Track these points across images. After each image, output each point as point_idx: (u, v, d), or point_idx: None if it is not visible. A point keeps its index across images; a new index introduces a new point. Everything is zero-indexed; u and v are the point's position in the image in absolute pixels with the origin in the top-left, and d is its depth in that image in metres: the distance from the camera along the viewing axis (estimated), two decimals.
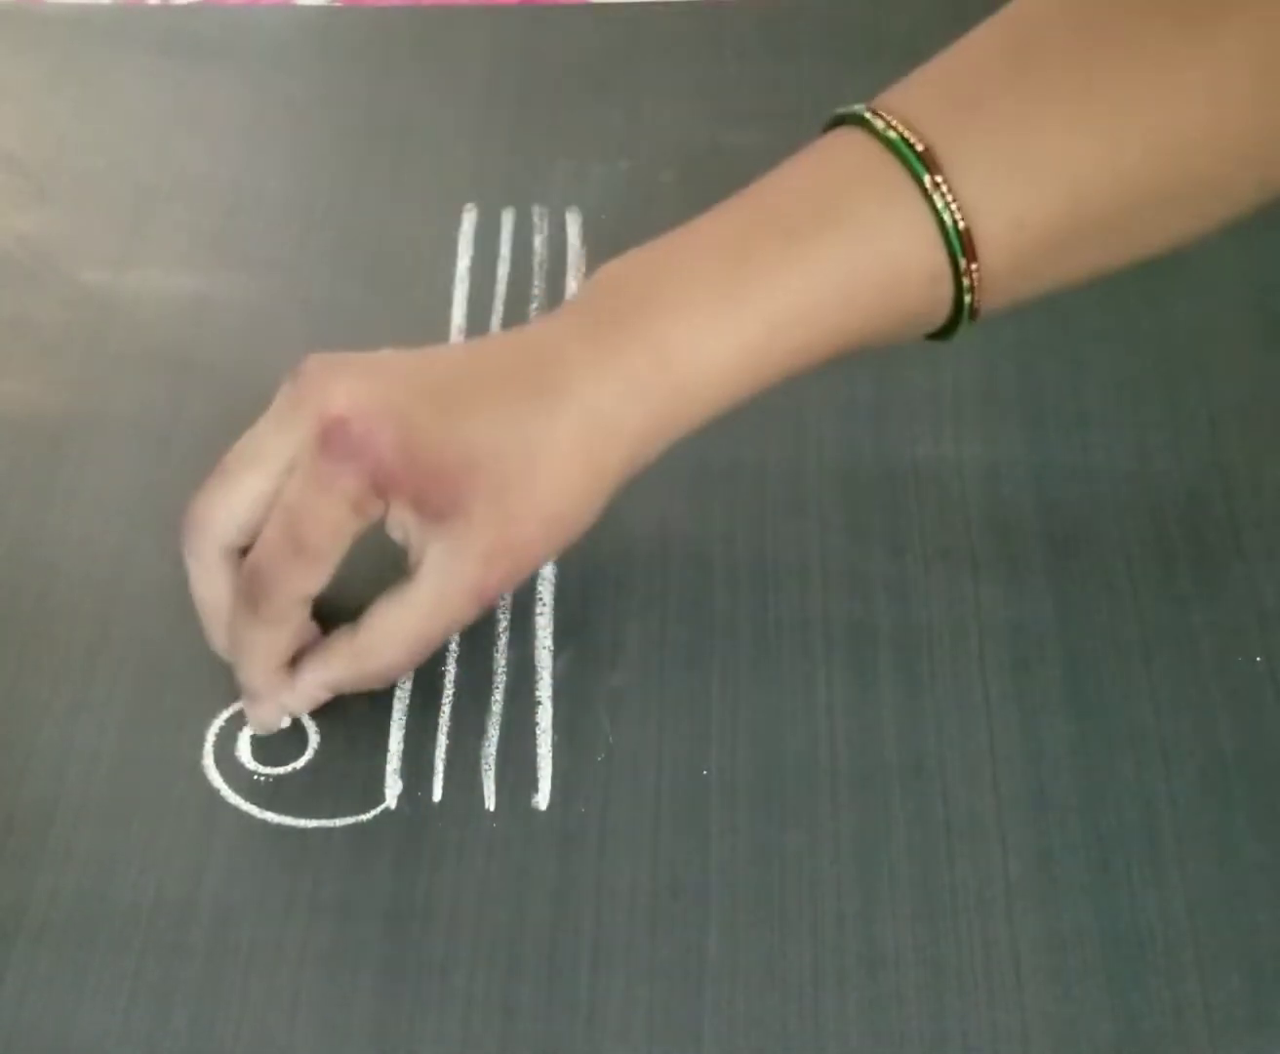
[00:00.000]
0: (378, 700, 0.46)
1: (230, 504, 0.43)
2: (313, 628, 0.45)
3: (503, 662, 0.47)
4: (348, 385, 0.42)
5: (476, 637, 0.48)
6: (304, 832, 0.44)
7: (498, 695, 0.47)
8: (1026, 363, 0.54)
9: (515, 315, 0.56)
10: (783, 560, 0.50)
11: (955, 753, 0.45)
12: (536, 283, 0.57)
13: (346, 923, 0.42)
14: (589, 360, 0.42)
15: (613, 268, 0.44)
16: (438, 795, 0.45)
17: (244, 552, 0.44)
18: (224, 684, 0.47)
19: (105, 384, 0.55)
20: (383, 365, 0.44)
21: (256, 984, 0.41)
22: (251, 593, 0.43)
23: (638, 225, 0.59)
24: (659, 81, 0.64)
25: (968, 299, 0.42)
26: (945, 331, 0.44)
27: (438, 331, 0.56)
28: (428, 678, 0.47)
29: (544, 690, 0.47)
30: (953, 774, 0.45)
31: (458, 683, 0.47)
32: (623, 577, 0.49)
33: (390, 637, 0.44)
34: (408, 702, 0.46)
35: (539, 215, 0.59)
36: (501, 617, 0.48)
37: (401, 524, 0.42)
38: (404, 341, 0.55)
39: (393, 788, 0.45)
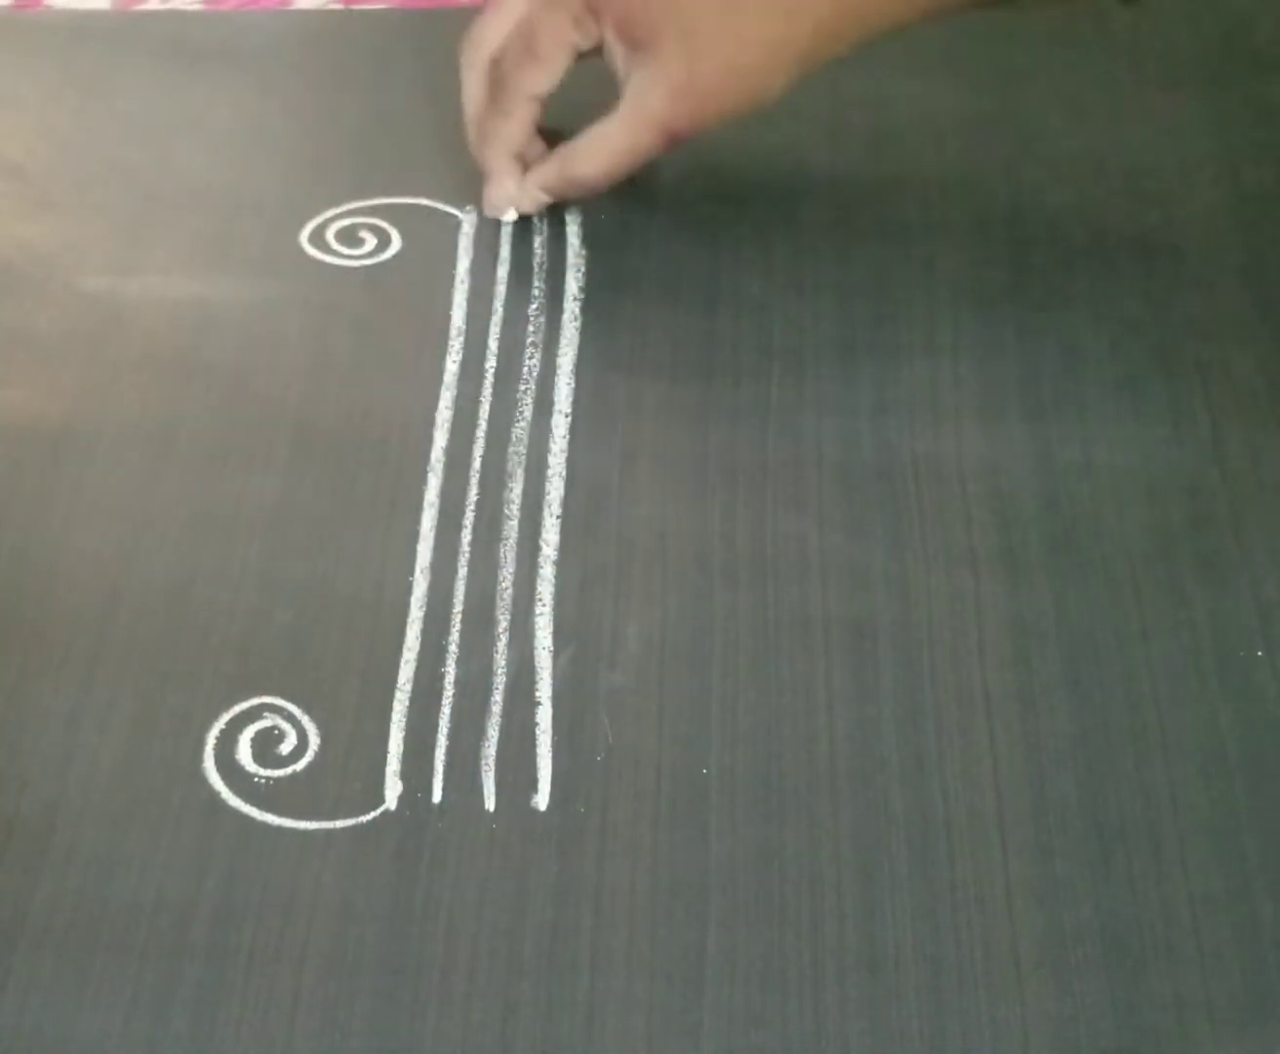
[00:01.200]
0: (378, 701, 0.46)
1: (498, 25, 0.55)
2: (541, 146, 0.57)
3: (503, 662, 0.47)
4: None
5: (476, 637, 0.48)
6: (304, 833, 0.44)
7: (498, 695, 0.47)
8: (1026, 359, 0.54)
9: (515, 316, 0.56)
10: (783, 560, 0.50)
11: (955, 749, 0.45)
12: (536, 283, 0.58)
13: (346, 923, 0.42)
14: None
15: None
16: (438, 796, 0.45)
17: None
18: (225, 687, 0.47)
19: (106, 390, 0.55)
20: None
21: (257, 985, 0.41)
22: (493, 87, 0.55)
23: (638, 225, 0.59)
24: None
25: None
26: None
27: (438, 333, 0.56)
28: (428, 678, 0.47)
29: (544, 690, 0.47)
30: (952, 771, 0.44)
31: (458, 683, 0.47)
32: (623, 577, 0.49)
33: (592, 146, 0.54)
34: (408, 702, 0.47)
35: (539, 216, 0.59)
36: (501, 617, 0.48)
37: (612, 50, 0.52)
38: (403, 343, 0.56)
39: (393, 789, 0.45)
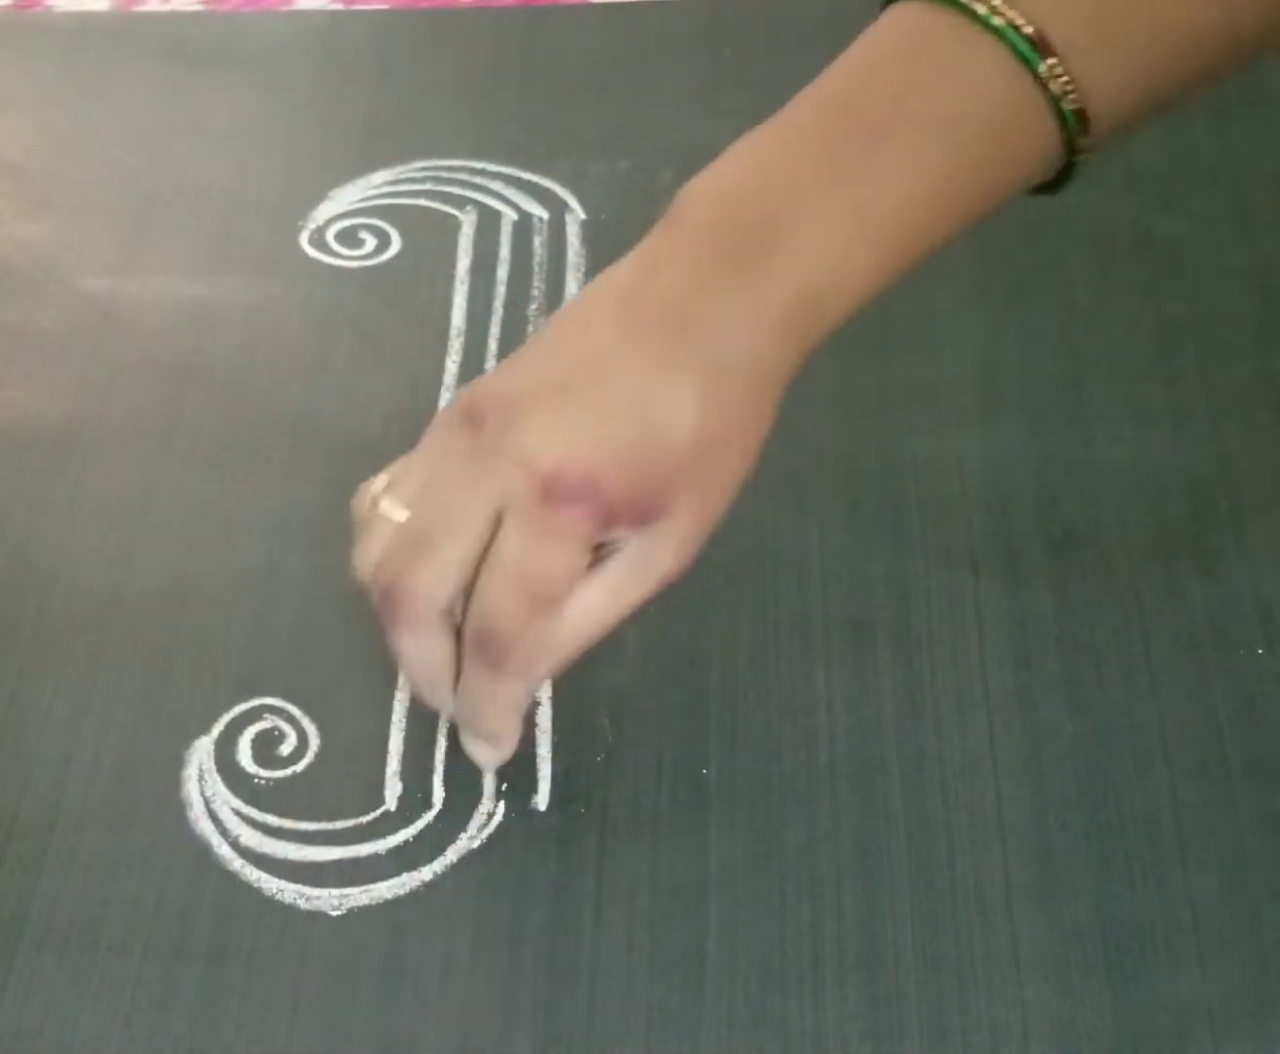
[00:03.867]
0: (378, 702, 0.46)
1: (441, 575, 0.41)
2: None
3: None
4: (543, 426, 0.40)
5: None
6: (304, 834, 0.44)
7: None
8: (1026, 358, 0.54)
9: (515, 316, 0.56)
10: (783, 559, 0.50)
11: (955, 749, 0.45)
12: (536, 284, 0.58)
13: (346, 924, 0.42)
14: (739, 318, 0.41)
15: (713, 187, 0.42)
16: (438, 796, 0.45)
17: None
18: (225, 688, 0.47)
19: (106, 390, 0.55)
20: (555, 384, 0.41)
21: (257, 986, 0.41)
22: (492, 654, 0.41)
23: (638, 225, 0.59)
24: (659, 81, 0.64)
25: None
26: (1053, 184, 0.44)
27: (438, 333, 0.56)
28: None
29: (544, 690, 0.47)
30: (953, 771, 0.44)
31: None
32: None
33: (585, 619, 0.42)
34: (408, 703, 0.47)
35: (539, 216, 0.60)
36: None
37: (616, 537, 0.41)
38: (403, 343, 0.56)
39: (393, 790, 0.45)
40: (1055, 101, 0.41)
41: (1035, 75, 0.40)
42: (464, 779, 0.45)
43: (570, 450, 0.40)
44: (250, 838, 0.44)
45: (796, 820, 0.44)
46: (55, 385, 0.55)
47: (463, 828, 0.44)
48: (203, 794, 0.45)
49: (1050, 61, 0.40)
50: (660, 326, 0.41)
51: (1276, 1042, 0.40)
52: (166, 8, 0.69)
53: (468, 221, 0.60)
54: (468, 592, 0.41)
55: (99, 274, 0.59)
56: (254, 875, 0.43)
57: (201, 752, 0.46)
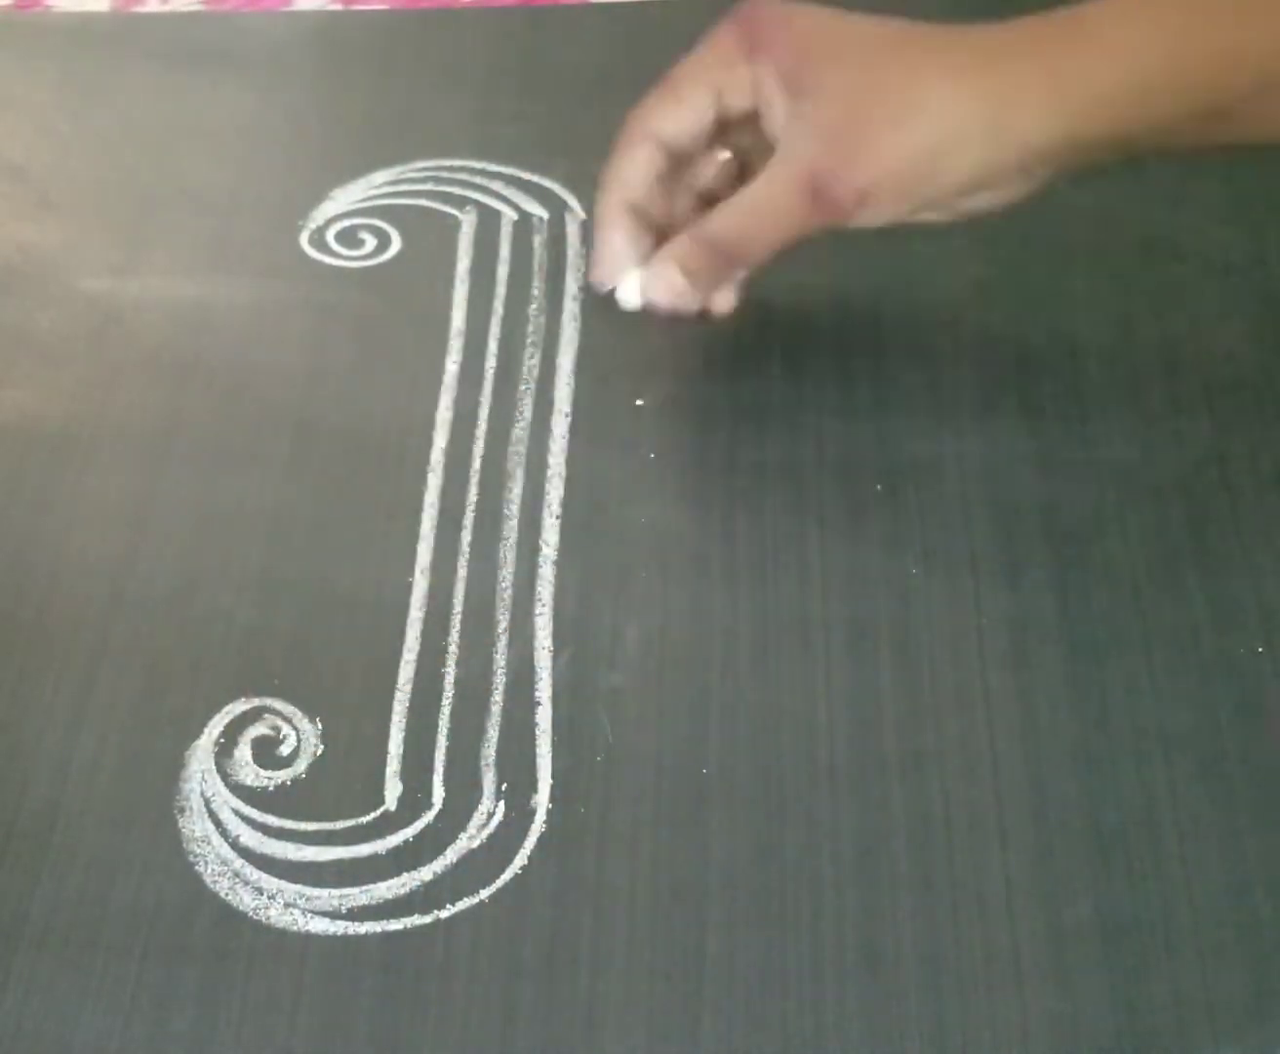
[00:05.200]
0: (378, 702, 0.46)
1: (664, 107, 0.48)
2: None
3: (502, 662, 0.47)
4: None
5: (476, 637, 0.48)
6: (304, 834, 0.44)
7: (498, 695, 0.47)
8: (1026, 357, 0.54)
9: (515, 316, 0.56)
10: (783, 560, 0.49)
11: (955, 749, 0.45)
12: (536, 283, 0.58)
13: (346, 924, 0.42)
14: (1011, 38, 0.43)
15: None
16: (438, 796, 0.45)
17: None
18: (225, 688, 0.47)
19: (106, 391, 0.55)
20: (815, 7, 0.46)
21: (257, 986, 0.41)
22: (624, 125, 0.48)
23: None
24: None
25: None
26: None
27: (438, 333, 0.56)
28: (428, 678, 0.47)
29: (544, 690, 0.47)
30: (953, 770, 0.44)
31: (458, 683, 0.47)
32: (623, 577, 0.49)
33: (730, 204, 0.46)
34: (408, 703, 0.47)
35: (539, 216, 0.60)
36: (501, 617, 0.48)
37: (769, 104, 0.45)
38: (403, 343, 0.56)
39: (393, 789, 0.45)
40: None
41: None
42: (464, 779, 0.45)
43: (776, 5, 0.45)
44: (250, 838, 0.44)
45: (796, 820, 0.44)
46: (55, 386, 0.55)
47: (463, 828, 0.44)
48: (203, 794, 0.45)
49: None
50: (944, 35, 0.44)
51: (1276, 1042, 0.40)
52: (166, 8, 0.69)
53: (468, 221, 0.60)
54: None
55: (99, 274, 0.59)
56: (254, 875, 0.43)
57: (201, 752, 0.46)
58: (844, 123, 0.42)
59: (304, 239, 0.59)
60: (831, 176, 0.43)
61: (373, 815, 0.44)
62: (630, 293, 0.49)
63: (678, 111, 0.47)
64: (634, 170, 0.48)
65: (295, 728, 0.46)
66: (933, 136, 0.42)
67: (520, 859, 0.43)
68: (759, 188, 0.45)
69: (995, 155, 0.43)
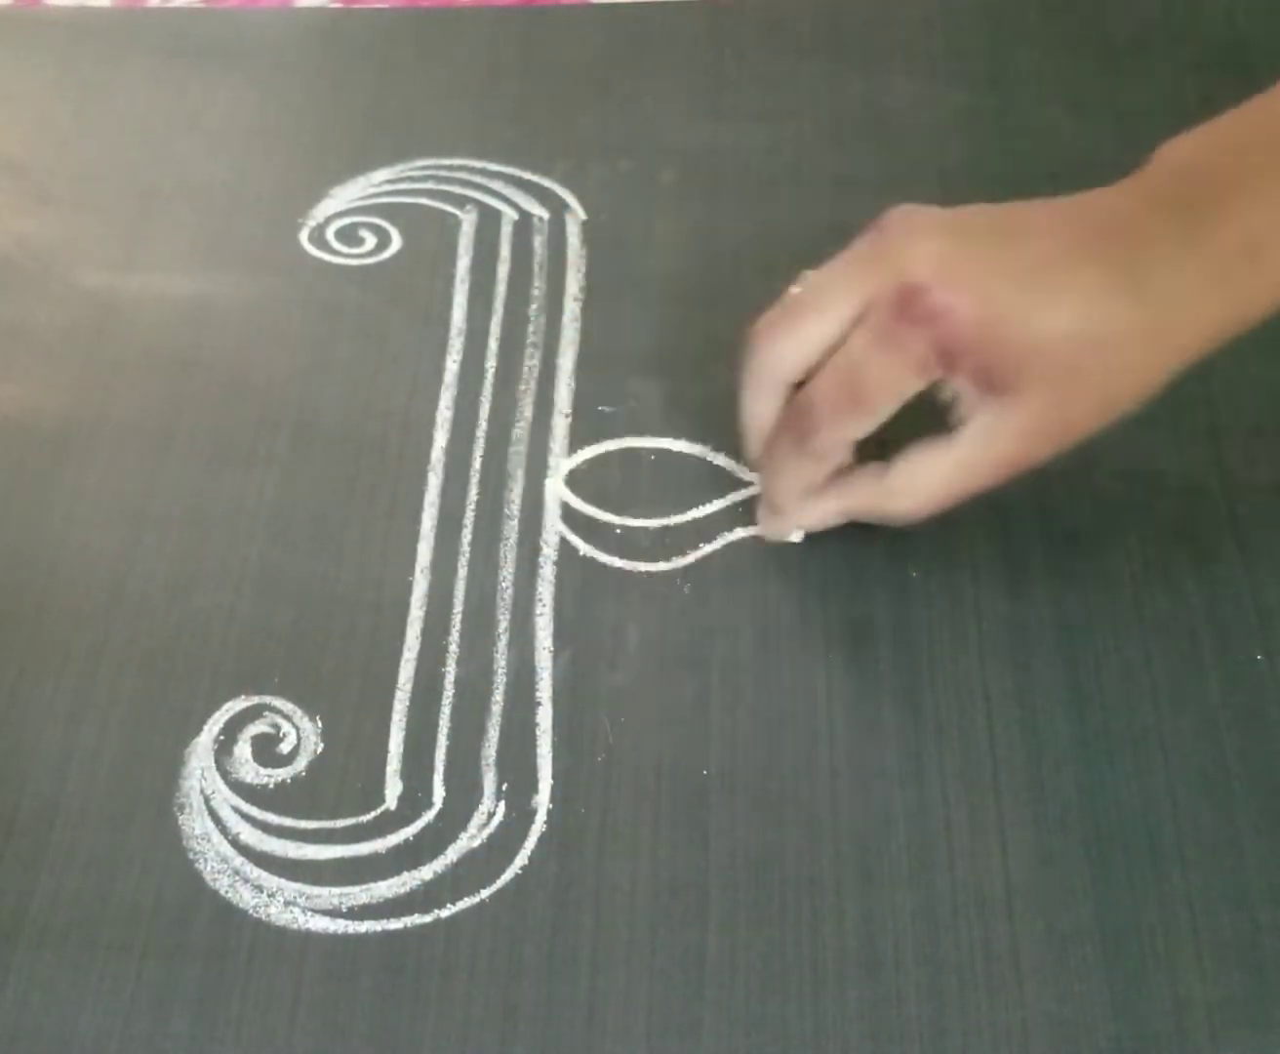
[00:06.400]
0: (378, 701, 0.46)
1: (795, 345, 0.45)
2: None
3: (503, 662, 0.47)
4: (932, 248, 0.43)
5: (476, 637, 0.48)
6: (304, 832, 0.44)
7: (498, 695, 0.47)
8: None
9: (515, 316, 0.56)
10: (783, 561, 0.50)
11: (955, 752, 0.45)
12: (536, 283, 0.57)
13: (346, 922, 0.42)
14: (1174, 241, 0.42)
15: (1182, 149, 0.44)
16: (438, 796, 0.45)
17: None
18: (225, 686, 0.47)
19: (106, 387, 0.55)
20: (969, 229, 0.44)
21: (256, 985, 0.41)
22: (801, 428, 0.46)
23: (638, 225, 0.59)
24: (659, 81, 0.64)
25: None
26: None
27: (438, 333, 0.56)
28: (428, 678, 0.47)
29: (544, 690, 0.47)
30: (952, 773, 0.45)
31: (458, 683, 0.47)
32: (623, 576, 0.49)
33: (918, 485, 0.46)
34: (408, 702, 0.47)
35: (539, 215, 0.60)
36: (501, 617, 0.48)
37: (955, 388, 0.43)
38: (403, 342, 0.56)
39: (393, 788, 0.45)
40: None
41: None
42: (464, 779, 0.45)
43: (945, 277, 0.42)
44: (250, 836, 0.44)
45: (796, 820, 0.44)
46: (54, 382, 0.55)
47: (463, 828, 0.44)
48: (202, 792, 0.45)
49: None
50: (1092, 225, 0.43)
51: (1276, 1043, 0.40)
52: (166, 4, 0.69)
53: (468, 221, 0.60)
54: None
55: (98, 270, 0.58)
56: (254, 873, 0.43)
57: (201, 749, 0.46)
58: (1055, 424, 0.44)
59: (304, 236, 0.59)
60: (1036, 461, 0.44)
61: (373, 814, 0.44)
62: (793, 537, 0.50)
63: (872, 422, 0.45)
64: (823, 475, 0.47)
65: (295, 726, 0.46)
66: (1127, 406, 0.44)
67: (521, 859, 0.43)
68: (955, 472, 0.45)
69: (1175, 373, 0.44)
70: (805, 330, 0.45)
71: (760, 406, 0.47)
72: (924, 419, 0.45)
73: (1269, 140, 0.43)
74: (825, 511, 0.48)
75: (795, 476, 0.47)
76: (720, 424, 0.53)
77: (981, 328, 0.42)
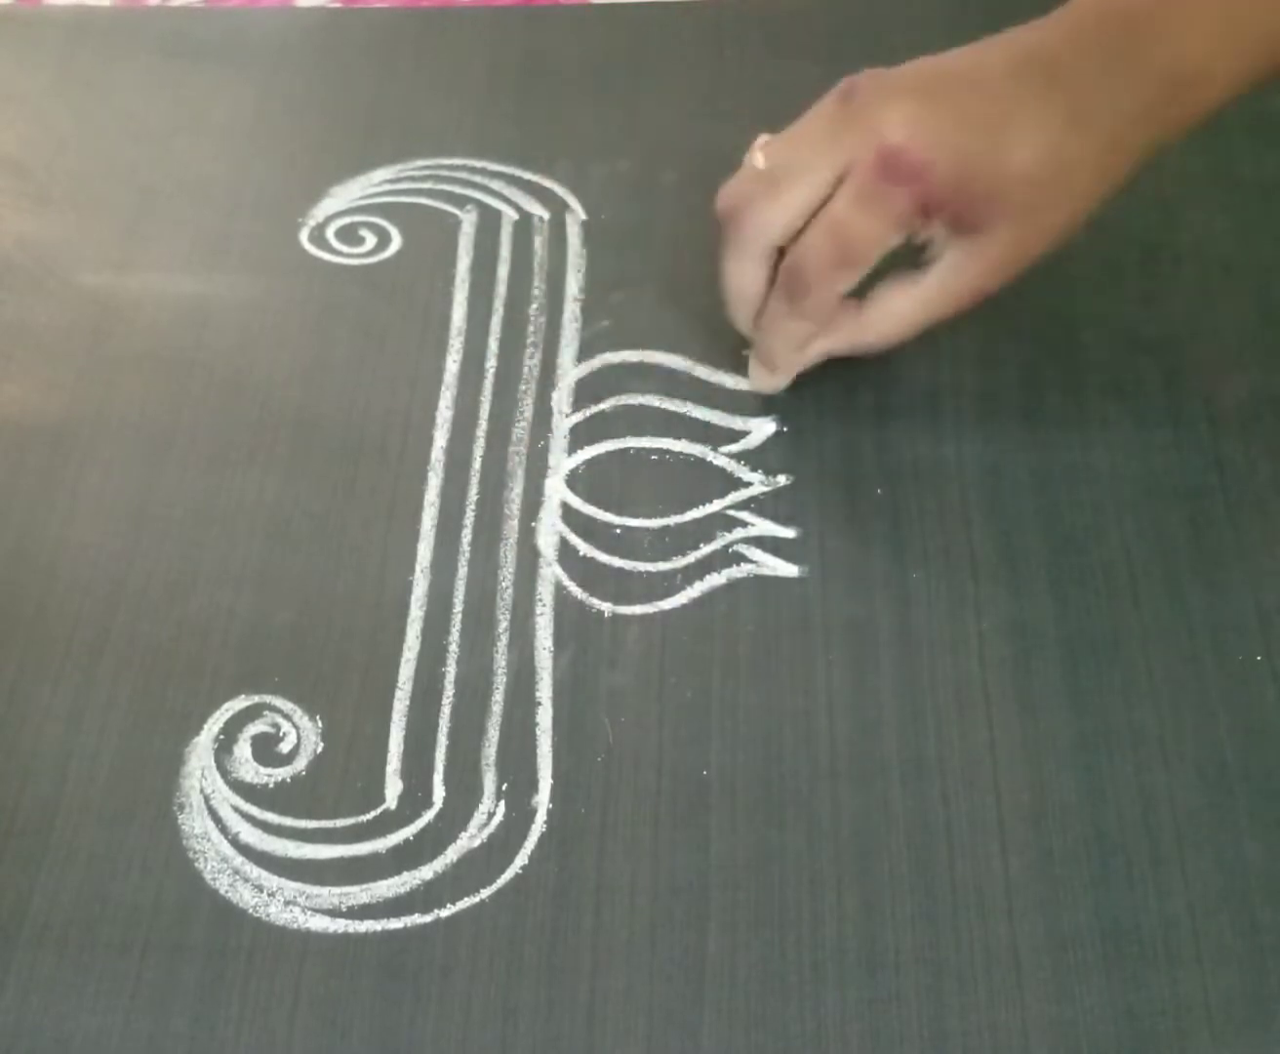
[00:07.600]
0: (378, 700, 0.46)
1: (780, 211, 0.48)
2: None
3: (503, 662, 0.47)
4: (905, 110, 0.46)
5: (476, 637, 0.48)
6: (304, 832, 0.44)
7: (498, 695, 0.47)
8: (1026, 362, 0.54)
9: (515, 316, 0.56)
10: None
11: (955, 752, 0.45)
12: (537, 283, 0.57)
13: (346, 922, 0.42)
14: (1104, 86, 0.46)
15: None
16: (438, 795, 0.45)
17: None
18: (225, 686, 0.47)
19: (106, 386, 0.55)
20: (933, 87, 0.47)
21: (256, 985, 0.41)
22: (793, 289, 0.49)
23: (638, 225, 0.59)
24: (659, 81, 0.64)
25: None
26: None
27: (438, 333, 0.56)
28: (428, 678, 0.47)
29: (544, 690, 0.47)
30: (953, 774, 0.45)
31: (458, 683, 0.47)
32: (623, 576, 0.49)
33: (892, 315, 0.50)
34: (408, 702, 0.47)
35: (539, 215, 0.60)
36: (501, 617, 0.48)
37: (929, 232, 0.48)
38: (403, 342, 0.56)
39: (393, 788, 0.45)
40: None
41: None
42: (464, 778, 0.45)
43: (918, 137, 0.46)
44: (250, 835, 0.44)
45: (796, 820, 0.44)
46: (53, 381, 0.55)
47: (463, 827, 0.44)
48: (202, 791, 0.45)
49: None
50: (1038, 70, 0.46)
51: (1276, 1043, 0.40)
52: (166, 3, 0.69)
53: (468, 220, 0.60)
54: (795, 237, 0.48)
55: (98, 270, 0.58)
56: (254, 873, 0.43)
57: (201, 749, 0.46)
58: (1015, 255, 0.48)
59: (304, 236, 0.59)
60: (995, 289, 0.49)
61: (373, 814, 0.44)
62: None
63: (859, 275, 0.48)
64: (816, 329, 0.51)
65: (295, 725, 0.46)
66: (1072, 235, 0.48)
67: (521, 859, 0.43)
68: (924, 302, 0.49)
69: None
70: (789, 197, 0.48)
71: (748, 273, 0.50)
72: (892, 260, 0.48)
73: None
74: (810, 355, 0.52)
75: (790, 335, 0.51)
76: (720, 423, 0.53)
77: (957, 180, 0.46)
